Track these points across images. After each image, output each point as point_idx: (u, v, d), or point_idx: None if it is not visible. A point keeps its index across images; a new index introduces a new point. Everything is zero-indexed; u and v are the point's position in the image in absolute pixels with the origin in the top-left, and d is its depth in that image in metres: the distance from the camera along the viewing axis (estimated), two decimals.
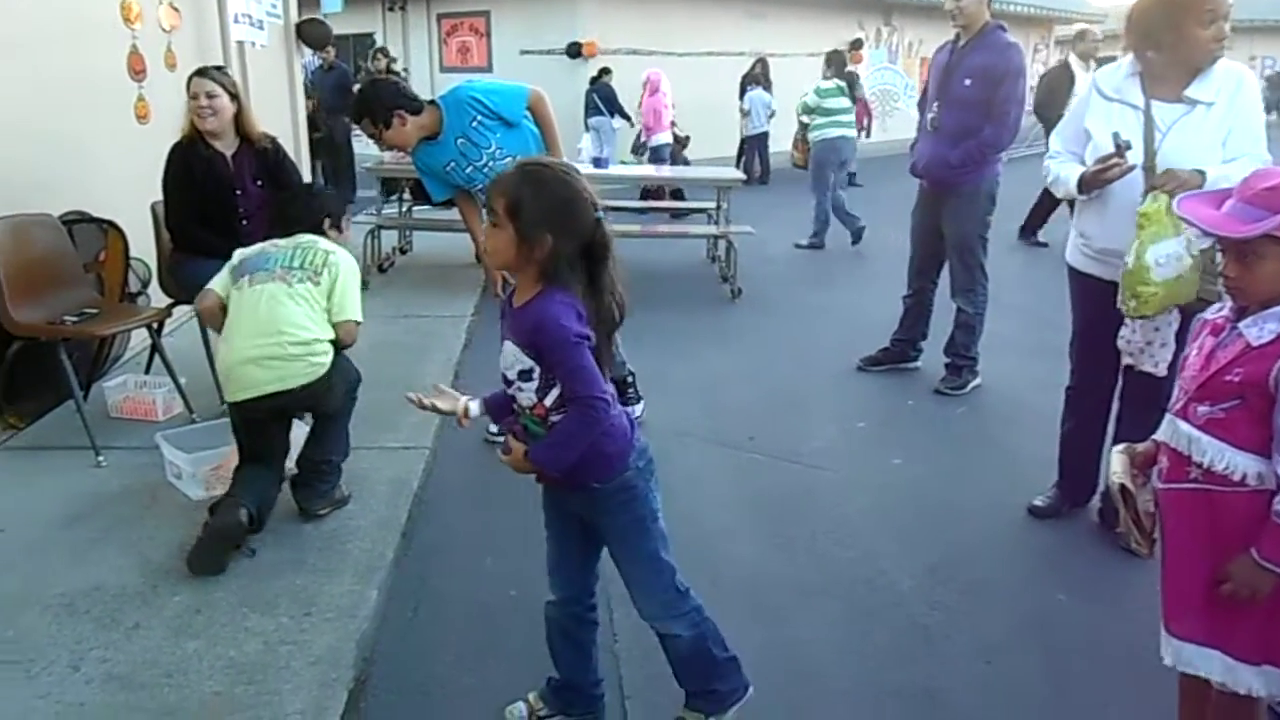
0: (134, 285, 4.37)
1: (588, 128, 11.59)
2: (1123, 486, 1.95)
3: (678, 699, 2.16)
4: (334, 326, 2.99)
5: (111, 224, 4.20)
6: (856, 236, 8.50)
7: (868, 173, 12.31)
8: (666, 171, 9.81)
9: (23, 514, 3.09)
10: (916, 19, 17.78)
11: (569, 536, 2.07)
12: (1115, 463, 1.98)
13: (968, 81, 4.30)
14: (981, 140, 4.31)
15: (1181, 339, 2.64)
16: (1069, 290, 3.19)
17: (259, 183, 3.86)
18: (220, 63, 5.08)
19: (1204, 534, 1.78)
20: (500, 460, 1.96)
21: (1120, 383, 3.07)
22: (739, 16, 14.58)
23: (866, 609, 2.78)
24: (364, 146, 9.97)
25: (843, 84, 8.70)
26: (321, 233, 3.16)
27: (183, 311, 4.20)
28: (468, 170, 3.71)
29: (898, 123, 14.95)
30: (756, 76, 12.79)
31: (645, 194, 10.22)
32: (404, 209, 7.88)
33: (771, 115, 12.54)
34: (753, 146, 12.92)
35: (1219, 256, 1.85)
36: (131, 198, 4.16)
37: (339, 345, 3.02)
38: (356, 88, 9.23)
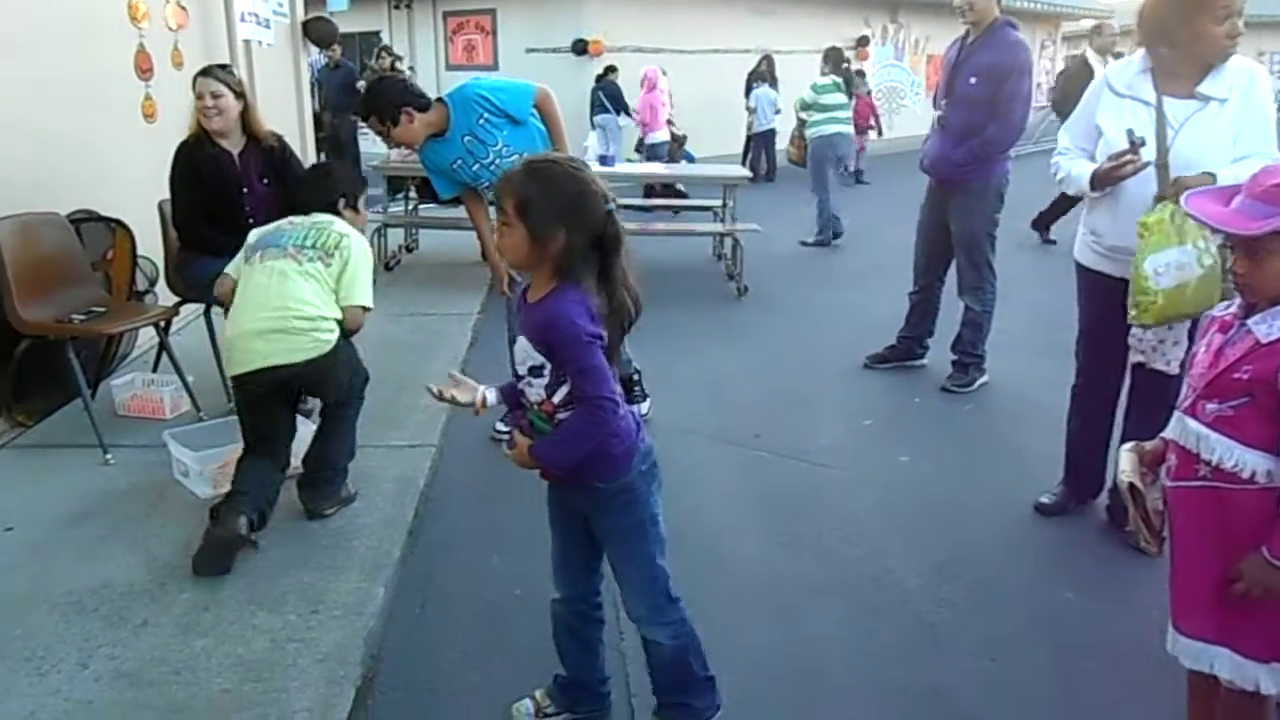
0: (141, 284, 4.38)
1: (594, 125, 11.59)
2: (1131, 485, 1.94)
3: None
4: (341, 310, 2.97)
5: (119, 223, 4.20)
6: (836, 234, 8.55)
7: (874, 170, 12.30)
8: (673, 169, 9.81)
9: (31, 512, 3.10)
10: (923, 15, 17.72)
11: (573, 534, 2.07)
12: (1124, 461, 1.98)
13: (973, 79, 4.29)
14: (985, 139, 4.29)
15: (1192, 336, 2.63)
16: (1076, 287, 3.18)
17: (265, 181, 3.86)
18: (227, 61, 5.08)
19: (1213, 532, 1.77)
20: (505, 455, 1.96)
21: (1128, 380, 3.06)
22: (745, 13, 14.55)
23: (873, 606, 2.77)
24: (370, 145, 10.01)
25: (839, 80, 8.70)
26: (337, 213, 3.13)
27: (190, 310, 4.20)
28: (474, 168, 3.72)
29: (904, 120, 14.95)
30: (762, 74, 12.79)
31: (648, 192, 10.21)
32: (410, 207, 7.90)
33: (778, 112, 12.52)
34: (759, 144, 12.90)
35: (1228, 254, 1.84)
36: (139, 196, 4.16)
37: (345, 330, 3.00)
38: (362, 85, 9.31)
